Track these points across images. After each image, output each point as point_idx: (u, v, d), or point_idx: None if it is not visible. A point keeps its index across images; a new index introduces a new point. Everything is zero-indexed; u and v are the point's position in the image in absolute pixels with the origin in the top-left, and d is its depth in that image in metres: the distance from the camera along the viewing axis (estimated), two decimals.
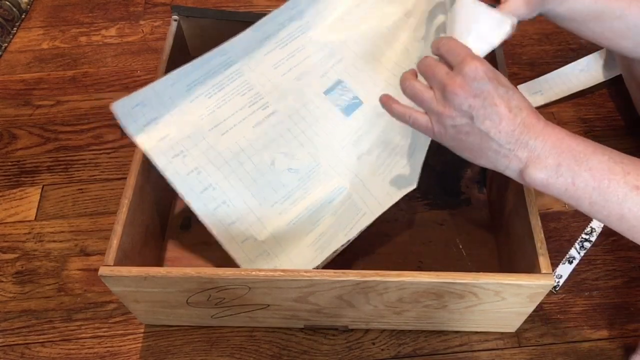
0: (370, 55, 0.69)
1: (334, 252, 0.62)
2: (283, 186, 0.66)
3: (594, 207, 0.47)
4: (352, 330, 0.65)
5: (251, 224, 0.65)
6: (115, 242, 0.56)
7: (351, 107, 0.68)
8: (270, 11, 0.66)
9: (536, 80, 0.87)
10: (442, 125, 0.49)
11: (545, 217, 0.73)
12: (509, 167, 0.48)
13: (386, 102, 0.53)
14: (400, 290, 0.55)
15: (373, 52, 0.68)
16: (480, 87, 0.46)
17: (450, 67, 0.48)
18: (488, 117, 0.46)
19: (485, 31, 0.51)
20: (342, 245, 0.62)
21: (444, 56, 0.49)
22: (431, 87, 0.50)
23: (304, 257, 0.64)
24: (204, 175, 0.64)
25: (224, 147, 0.65)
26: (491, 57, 0.66)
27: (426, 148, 0.60)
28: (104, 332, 0.66)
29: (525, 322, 0.63)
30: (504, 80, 0.48)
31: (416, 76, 0.52)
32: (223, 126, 0.66)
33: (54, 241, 0.73)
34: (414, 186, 0.61)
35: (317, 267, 0.62)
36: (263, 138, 0.67)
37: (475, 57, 0.48)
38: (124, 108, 0.62)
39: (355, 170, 0.66)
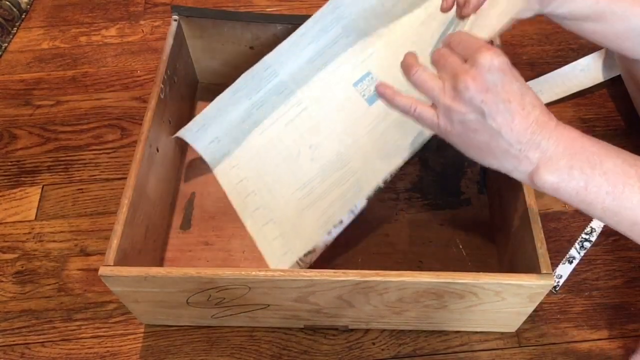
0: (401, 47, 0.69)
1: (329, 233, 0.65)
2: (304, 174, 0.70)
3: (606, 212, 0.45)
4: (352, 330, 0.65)
5: (272, 209, 0.70)
6: (115, 242, 0.56)
7: (375, 96, 0.69)
8: (270, 11, 0.66)
9: (536, 80, 0.87)
10: (449, 120, 0.46)
11: (545, 217, 0.73)
12: (517, 169, 0.45)
13: (385, 93, 0.49)
14: (400, 290, 0.55)
15: (404, 44, 0.69)
16: (494, 81, 0.43)
17: (464, 59, 0.45)
18: (500, 113, 0.43)
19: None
20: (336, 226, 0.65)
21: (455, 49, 0.46)
22: (440, 77, 0.46)
23: (309, 234, 0.67)
24: (241, 169, 0.72)
25: (260, 145, 0.72)
26: None
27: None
28: (104, 332, 0.66)
29: (525, 322, 0.63)
30: (518, 74, 0.45)
31: (416, 60, 0.48)
32: (261, 127, 0.73)
33: (54, 241, 0.73)
34: (405, 158, 0.63)
35: (315, 248, 0.65)
36: (293, 133, 0.72)
37: (490, 47, 0.44)
38: (189, 132, 0.72)
39: (369, 154, 0.67)
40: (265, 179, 0.72)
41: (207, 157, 0.73)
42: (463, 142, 0.47)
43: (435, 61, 0.47)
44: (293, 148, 0.72)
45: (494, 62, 0.43)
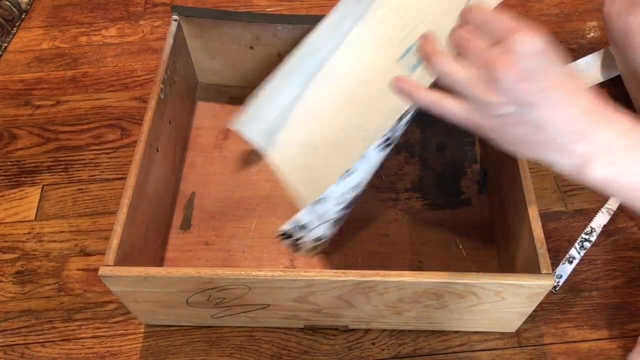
0: (441, 17, 0.68)
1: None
2: (355, 157, 0.68)
3: None
4: (352, 330, 0.65)
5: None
6: (115, 242, 0.56)
7: (415, 66, 0.68)
8: (270, 11, 0.66)
9: None
10: (481, 114, 0.40)
11: (545, 217, 0.73)
12: (560, 161, 0.40)
13: (404, 88, 0.44)
14: (400, 290, 0.55)
15: (442, 14, 0.68)
16: (532, 68, 0.38)
17: (491, 43, 0.40)
18: (542, 104, 0.38)
19: None
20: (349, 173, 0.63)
21: (480, 30, 0.40)
22: (465, 65, 0.41)
23: None
24: (297, 157, 0.70)
25: (312, 131, 0.71)
26: None
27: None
28: (104, 332, 0.66)
29: (525, 322, 0.63)
30: (559, 57, 0.40)
31: (436, 46, 0.43)
32: (312, 112, 0.72)
33: (54, 241, 0.73)
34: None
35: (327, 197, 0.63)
36: (342, 116, 0.71)
37: (524, 28, 0.38)
38: (243, 124, 0.71)
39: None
40: (319, 165, 0.70)
41: (262, 146, 0.72)
42: (499, 137, 0.42)
43: (457, 45, 0.42)
44: (344, 131, 0.70)
45: (531, 46, 0.38)
